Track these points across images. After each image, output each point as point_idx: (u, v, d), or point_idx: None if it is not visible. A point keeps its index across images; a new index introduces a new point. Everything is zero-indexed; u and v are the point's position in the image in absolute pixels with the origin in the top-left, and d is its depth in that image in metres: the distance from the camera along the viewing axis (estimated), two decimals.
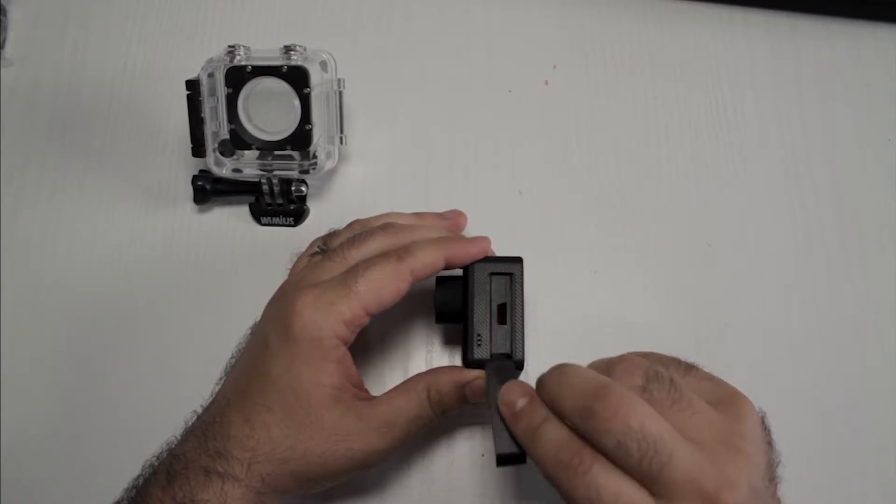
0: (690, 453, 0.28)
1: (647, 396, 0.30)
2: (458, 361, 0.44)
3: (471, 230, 0.45)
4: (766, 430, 0.31)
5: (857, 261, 0.48)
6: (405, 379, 0.39)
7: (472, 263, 0.39)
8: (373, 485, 0.43)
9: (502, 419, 0.33)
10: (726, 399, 0.31)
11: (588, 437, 0.29)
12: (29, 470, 0.44)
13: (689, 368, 0.33)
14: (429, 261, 0.37)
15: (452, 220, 0.44)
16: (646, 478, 0.28)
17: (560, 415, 0.31)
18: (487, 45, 0.52)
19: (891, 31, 0.53)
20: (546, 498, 0.42)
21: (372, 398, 0.37)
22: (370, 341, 0.45)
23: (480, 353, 0.38)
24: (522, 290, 0.39)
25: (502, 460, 0.33)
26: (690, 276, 0.47)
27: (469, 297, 0.39)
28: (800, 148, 0.50)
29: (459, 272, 0.40)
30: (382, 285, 0.36)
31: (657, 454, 0.28)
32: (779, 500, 0.31)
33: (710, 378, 0.33)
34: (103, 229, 0.48)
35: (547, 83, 0.51)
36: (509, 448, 0.32)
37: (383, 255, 0.37)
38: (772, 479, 0.30)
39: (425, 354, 0.45)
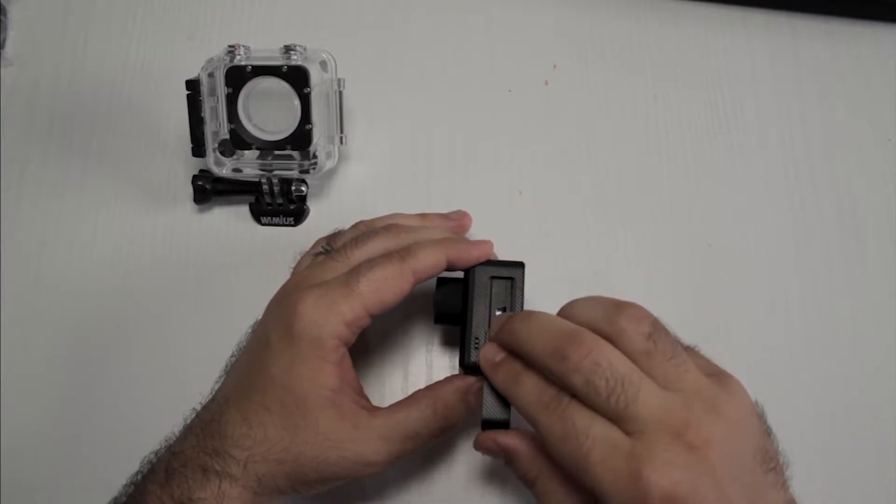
0: (660, 394, 0.29)
1: (650, 345, 0.30)
2: (457, 363, 0.44)
3: (470, 230, 0.45)
4: (761, 418, 0.31)
5: (857, 261, 0.48)
6: (405, 387, 0.39)
7: (474, 266, 0.39)
8: (373, 488, 0.43)
9: (491, 389, 0.36)
10: (718, 375, 0.31)
11: (559, 379, 0.30)
12: (29, 470, 0.44)
13: (689, 347, 0.34)
14: (431, 261, 0.37)
15: (457, 221, 0.44)
16: (615, 415, 0.29)
17: (529, 357, 0.32)
18: (487, 45, 0.52)
19: (891, 31, 0.53)
20: None
21: (372, 408, 0.36)
22: (370, 341, 0.45)
23: (477, 356, 0.38)
24: (523, 295, 0.39)
25: (487, 424, 0.36)
26: (690, 276, 0.47)
27: (469, 299, 0.38)
28: (800, 148, 0.50)
29: (461, 274, 0.40)
30: (384, 285, 0.36)
31: (623, 391, 0.29)
32: (790, 495, 0.30)
33: (707, 359, 0.33)
34: (103, 229, 0.48)
35: (547, 83, 0.51)
36: (494, 414, 0.36)
37: (386, 256, 0.37)
38: (770, 468, 0.29)
39: (425, 355, 0.45)
